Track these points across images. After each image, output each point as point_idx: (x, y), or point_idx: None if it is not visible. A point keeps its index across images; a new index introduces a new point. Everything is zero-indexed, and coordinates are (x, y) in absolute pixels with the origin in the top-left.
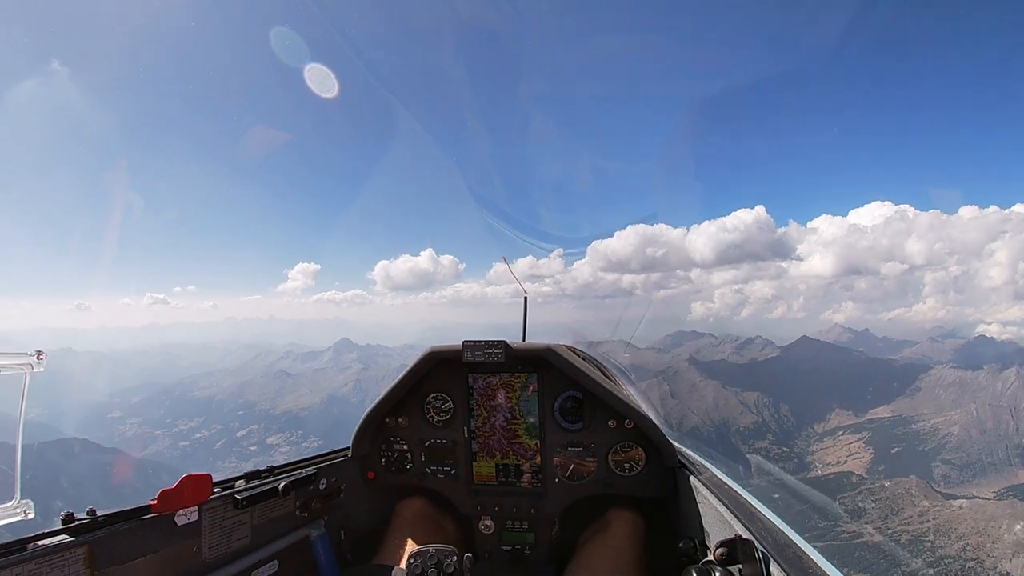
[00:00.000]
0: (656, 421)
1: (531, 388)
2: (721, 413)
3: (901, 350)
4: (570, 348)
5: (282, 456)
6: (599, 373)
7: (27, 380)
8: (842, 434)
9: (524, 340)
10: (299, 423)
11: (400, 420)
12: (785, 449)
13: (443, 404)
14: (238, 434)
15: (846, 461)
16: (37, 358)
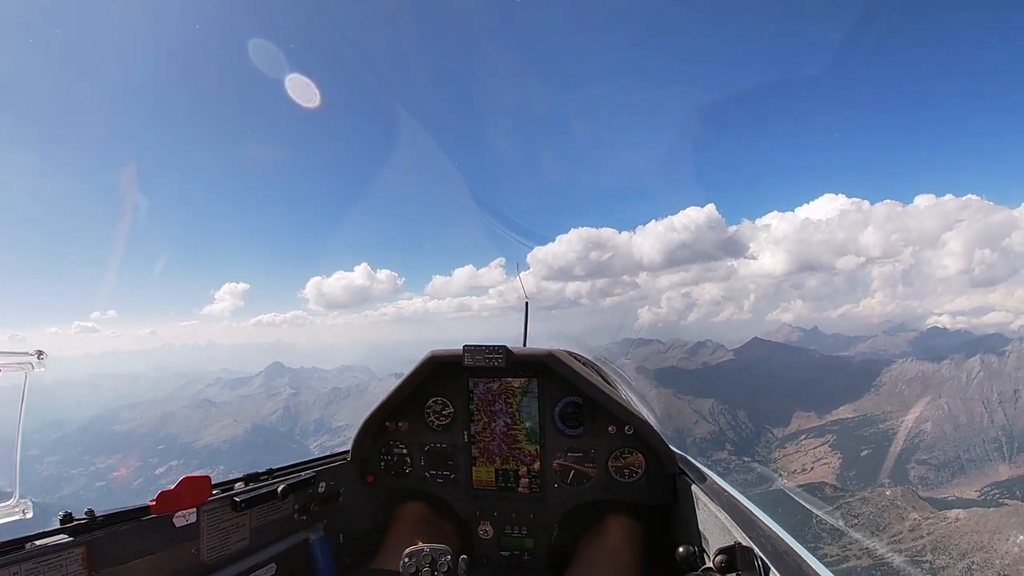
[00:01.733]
0: (656, 427)
1: (531, 393)
2: (675, 424)
3: (854, 346)
4: (571, 353)
5: None
6: (599, 379)
7: (27, 379)
8: (805, 438)
9: (525, 345)
10: (220, 457)
11: (400, 424)
12: (746, 459)
13: (443, 409)
14: (157, 471)
15: (812, 468)
16: (38, 357)
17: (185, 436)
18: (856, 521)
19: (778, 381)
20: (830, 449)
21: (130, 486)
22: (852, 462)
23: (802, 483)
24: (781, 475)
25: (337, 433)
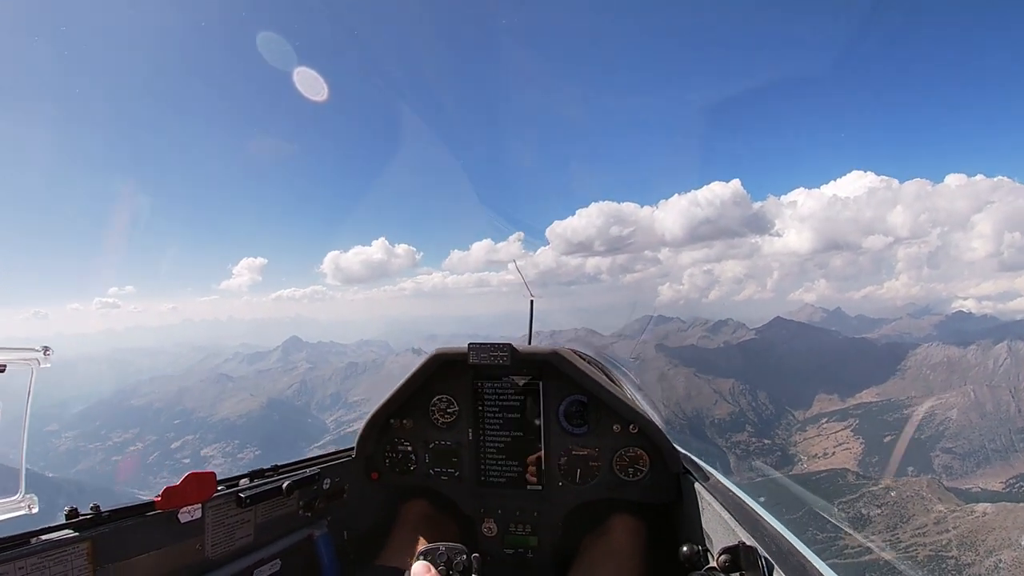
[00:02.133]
0: (661, 426)
1: (536, 391)
2: (694, 404)
3: (878, 328)
4: (576, 352)
5: (216, 468)
6: (604, 377)
7: (34, 375)
8: (827, 422)
9: (530, 343)
10: (235, 431)
11: (405, 421)
12: (766, 441)
13: (448, 406)
14: (172, 445)
15: (834, 452)
16: (44, 353)
17: (201, 410)
18: (879, 511)
19: (800, 362)
20: (852, 434)
21: (145, 460)
22: (875, 448)
23: (823, 468)
24: (801, 459)
25: (353, 408)
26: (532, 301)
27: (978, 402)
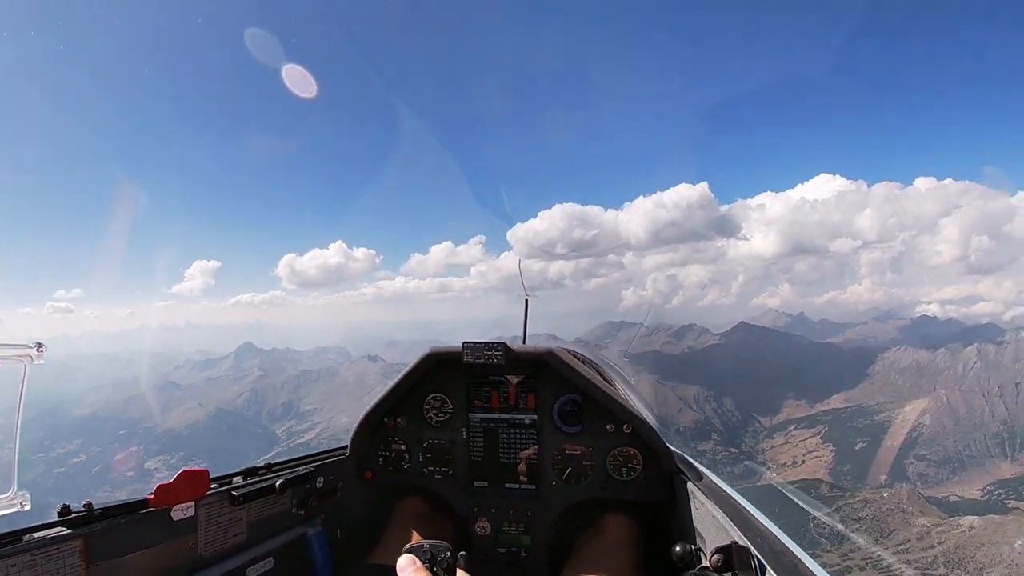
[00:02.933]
0: (654, 426)
1: (530, 390)
2: (658, 412)
3: (842, 333)
4: (569, 351)
5: (159, 483)
6: (598, 377)
7: (26, 372)
8: (795, 429)
9: (524, 342)
10: (180, 443)
11: (398, 420)
12: (733, 450)
13: (442, 405)
14: (116, 457)
15: (804, 461)
16: (37, 350)
17: (147, 420)
18: (858, 525)
19: (766, 368)
20: (821, 441)
21: (88, 472)
22: (846, 456)
23: (793, 479)
24: (770, 468)
25: (304, 418)
26: (527, 300)
27: (951, 407)
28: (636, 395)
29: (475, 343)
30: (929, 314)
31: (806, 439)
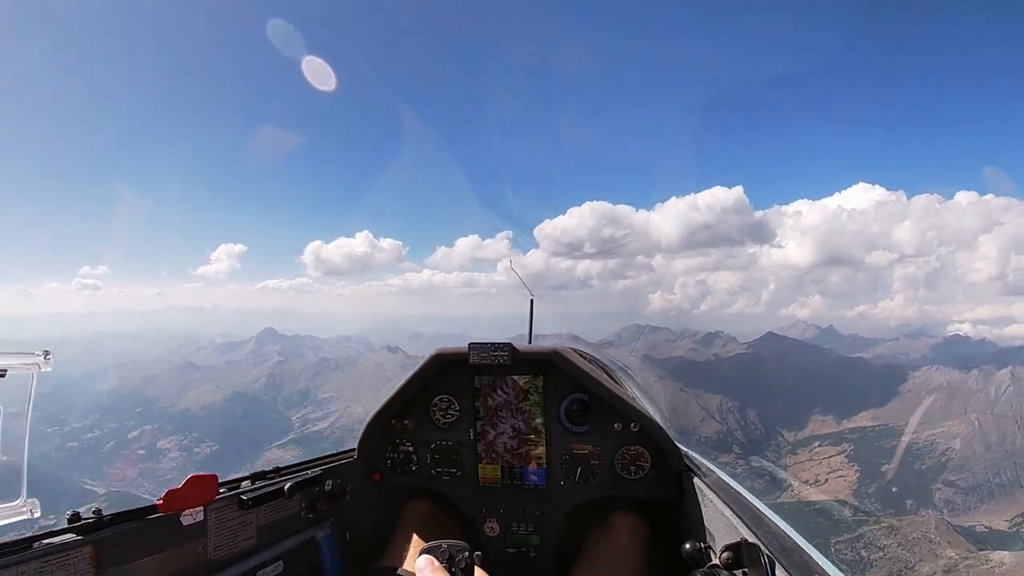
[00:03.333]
0: (662, 424)
1: (537, 391)
2: (679, 420)
3: (872, 348)
4: (576, 350)
5: (170, 462)
6: (605, 376)
7: (35, 379)
8: (819, 445)
9: (530, 342)
10: (194, 424)
11: (406, 422)
12: (755, 464)
13: (449, 406)
14: (130, 435)
15: (827, 480)
16: (44, 358)
17: (164, 400)
18: (881, 554)
19: (792, 380)
20: (847, 460)
21: (101, 448)
22: (871, 477)
23: (817, 499)
24: (792, 484)
25: (321, 405)
26: (532, 300)
27: (982, 431)
28: (644, 393)
29: (481, 344)
30: (962, 333)
31: (831, 457)
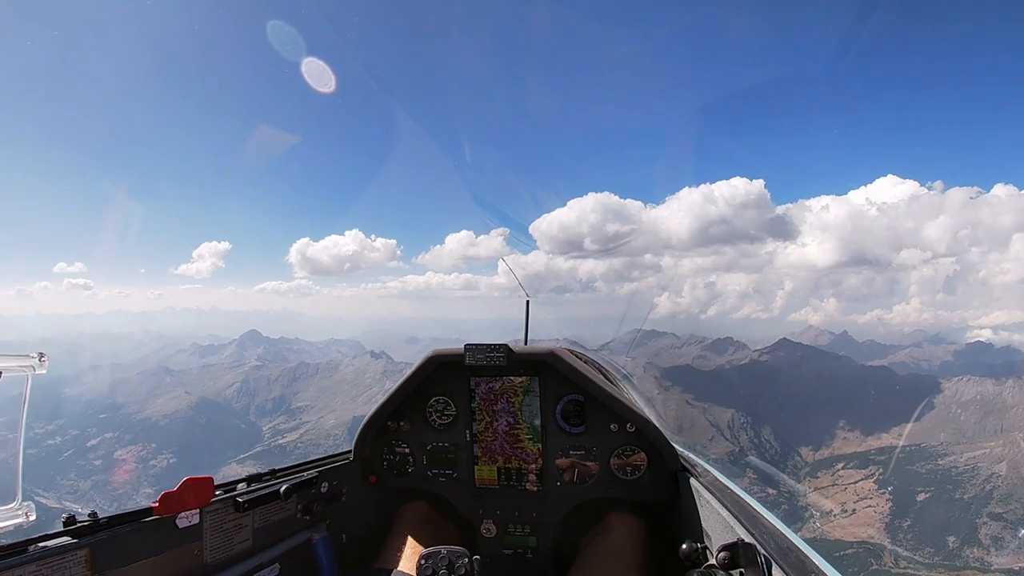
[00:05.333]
0: (658, 424)
1: (533, 392)
2: (687, 438)
3: (890, 355)
4: (572, 351)
5: (124, 475)
6: (601, 376)
7: (29, 382)
8: (843, 468)
9: (526, 343)
10: (155, 433)
11: (402, 424)
12: (771, 491)
13: (445, 408)
14: (89, 443)
15: (854, 510)
16: (39, 360)
17: (130, 406)
18: None
19: (811, 392)
20: (876, 487)
21: (59, 456)
22: (905, 507)
23: (844, 538)
24: (814, 516)
25: (294, 415)
26: (528, 301)
27: None
28: (640, 394)
29: (477, 345)
30: (983, 339)
31: (857, 482)
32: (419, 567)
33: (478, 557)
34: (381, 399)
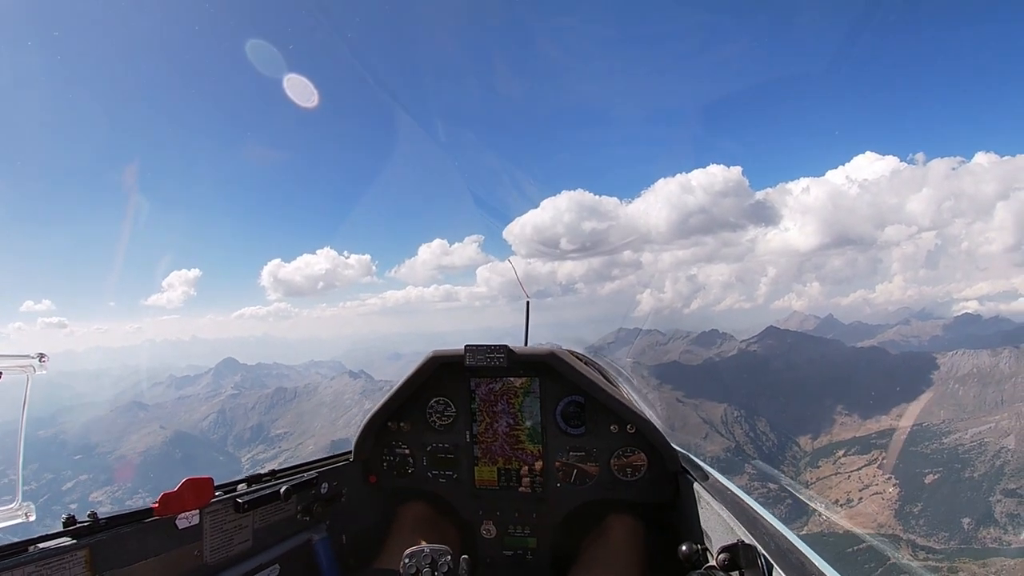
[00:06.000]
0: (658, 425)
1: (533, 393)
2: (679, 438)
3: (878, 334)
4: (572, 352)
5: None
6: (601, 377)
7: (29, 382)
8: (844, 454)
9: (526, 344)
10: (130, 471)
11: (402, 424)
12: (772, 486)
13: (445, 409)
14: (64, 487)
15: (860, 499)
16: (39, 360)
17: (105, 445)
18: None
19: (803, 379)
20: (880, 471)
21: (35, 502)
22: (915, 492)
23: (852, 527)
24: (818, 508)
25: (273, 443)
26: (528, 302)
27: None
28: (639, 395)
29: (477, 346)
30: (971, 311)
31: (860, 468)
32: (403, 566)
33: (465, 556)
34: (381, 400)
